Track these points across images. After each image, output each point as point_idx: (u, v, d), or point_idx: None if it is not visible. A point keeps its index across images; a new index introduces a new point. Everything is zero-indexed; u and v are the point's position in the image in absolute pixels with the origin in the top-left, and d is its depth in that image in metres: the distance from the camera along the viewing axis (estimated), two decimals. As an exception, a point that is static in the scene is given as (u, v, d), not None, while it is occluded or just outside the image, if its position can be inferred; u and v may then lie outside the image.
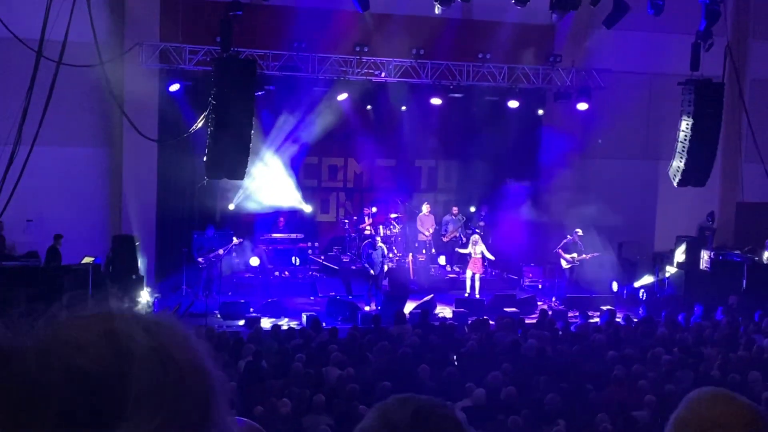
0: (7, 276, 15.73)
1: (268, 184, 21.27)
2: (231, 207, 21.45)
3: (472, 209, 22.89)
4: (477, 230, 21.94)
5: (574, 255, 20.19)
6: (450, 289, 21.04)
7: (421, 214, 22.33)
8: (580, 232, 20.25)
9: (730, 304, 18.49)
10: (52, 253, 17.96)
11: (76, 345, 0.95)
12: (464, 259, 20.95)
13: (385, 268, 19.58)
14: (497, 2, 19.74)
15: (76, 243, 18.34)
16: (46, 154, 17.17)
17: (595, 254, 20.40)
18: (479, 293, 20.04)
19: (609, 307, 18.57)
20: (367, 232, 21.80)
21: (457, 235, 22.23)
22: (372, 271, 19.11)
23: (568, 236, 20.36)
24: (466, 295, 20.00)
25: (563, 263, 20.26)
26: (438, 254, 22.58)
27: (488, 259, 21.09)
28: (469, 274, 20.33)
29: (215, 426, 0.99)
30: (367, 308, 18.63)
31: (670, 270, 21.04)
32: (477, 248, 20.29)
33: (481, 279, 20.37)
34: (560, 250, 20.24)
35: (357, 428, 1.71)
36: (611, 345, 14.37)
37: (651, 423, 10.20)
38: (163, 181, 20.45)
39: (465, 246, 21.01)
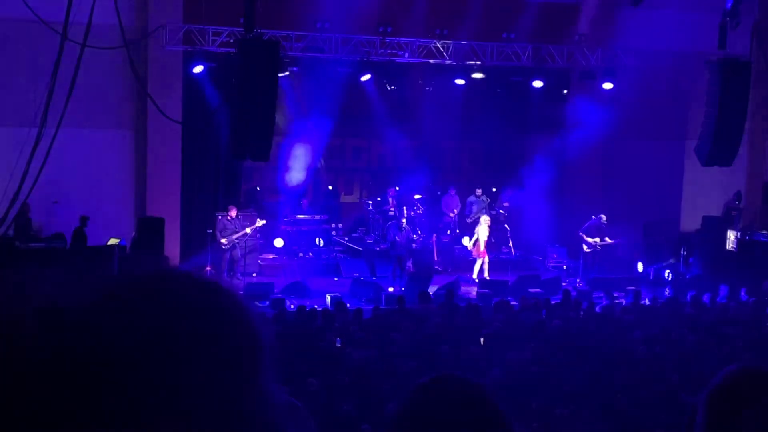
0: (34, 258, 15.85)
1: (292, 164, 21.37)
2: (258, 188, 21.55)
3: (495, 190, 22.84)
4: (501, 211, 21.88)
5: (597, 239, 20.06)
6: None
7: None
8: (604, 218, 20.09)
9: (764, 289, 18.22)
10: (78, 235, 18.07)
11: (126, 304, 0.97)
12: (489, 240, 20.82)
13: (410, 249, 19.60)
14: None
15: (101, 225, 18.46)
16: (71, 137, 17.25)
17: (617, 241, 20.26)
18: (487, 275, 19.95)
19: (634, 288, 18.47)
20: (391, 213, 21.79)
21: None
22: (396, 253, 19.13)
23: (593, 216, 20.24)
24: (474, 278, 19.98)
25: (584, 246, 20.14)
26: (462, 235, 22.54)
27: (510, 240, 21.08)
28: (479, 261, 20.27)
29: (262, 384, 1.03)
30: (391, 289, 18.65)
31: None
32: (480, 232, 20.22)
33: (502, 260, 20.30)
34: (582, 234, 20.13)
35: (392, 410, 1.70)
36: (636, 326, 14.31)
37: (677, 402, 10.16)
38: (187, 163, 20.50)
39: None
